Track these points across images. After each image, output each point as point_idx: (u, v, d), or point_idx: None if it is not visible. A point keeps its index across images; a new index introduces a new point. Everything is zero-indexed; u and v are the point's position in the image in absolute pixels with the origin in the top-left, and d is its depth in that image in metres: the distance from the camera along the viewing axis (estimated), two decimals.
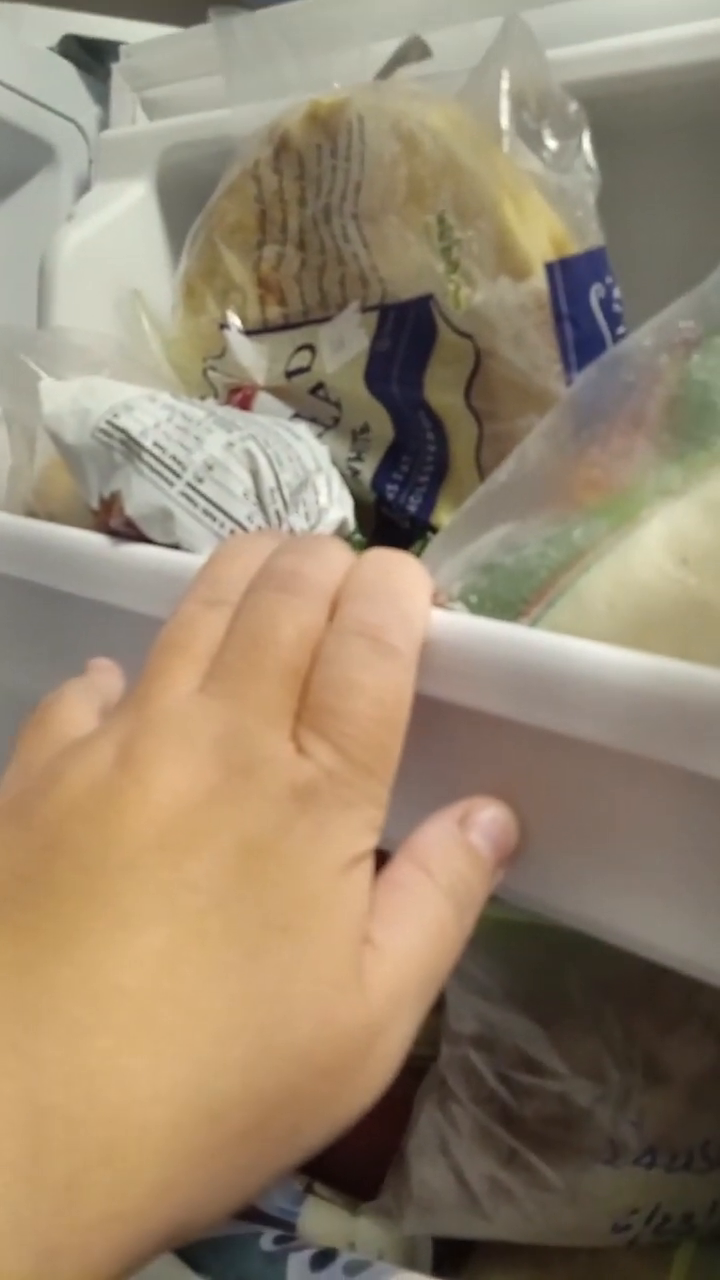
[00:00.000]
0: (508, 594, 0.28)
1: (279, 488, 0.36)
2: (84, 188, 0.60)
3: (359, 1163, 0.42)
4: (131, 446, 0.36)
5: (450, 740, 0.27)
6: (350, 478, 0.41)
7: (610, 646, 0.24)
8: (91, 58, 0.65)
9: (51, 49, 0.65)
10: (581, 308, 0.33)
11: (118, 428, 0.36)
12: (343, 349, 0.40)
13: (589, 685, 0.24)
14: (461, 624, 0.26)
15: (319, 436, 0.41)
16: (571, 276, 0.32)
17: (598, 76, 0.36)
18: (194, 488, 0.35)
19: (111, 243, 0.50)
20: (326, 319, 0.41)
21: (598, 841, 0.25)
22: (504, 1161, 0.34)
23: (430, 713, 0.26)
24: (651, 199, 0.37)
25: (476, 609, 0.28)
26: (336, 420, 0.42)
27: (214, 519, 0.35)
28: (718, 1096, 0.33)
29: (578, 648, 0.24)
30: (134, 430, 0.36)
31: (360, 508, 0.42)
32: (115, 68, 0.60)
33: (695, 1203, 0.34)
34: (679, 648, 0.25)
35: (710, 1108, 0.33)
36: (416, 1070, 0.38)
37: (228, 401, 0.45)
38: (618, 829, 0.25)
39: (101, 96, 0.64)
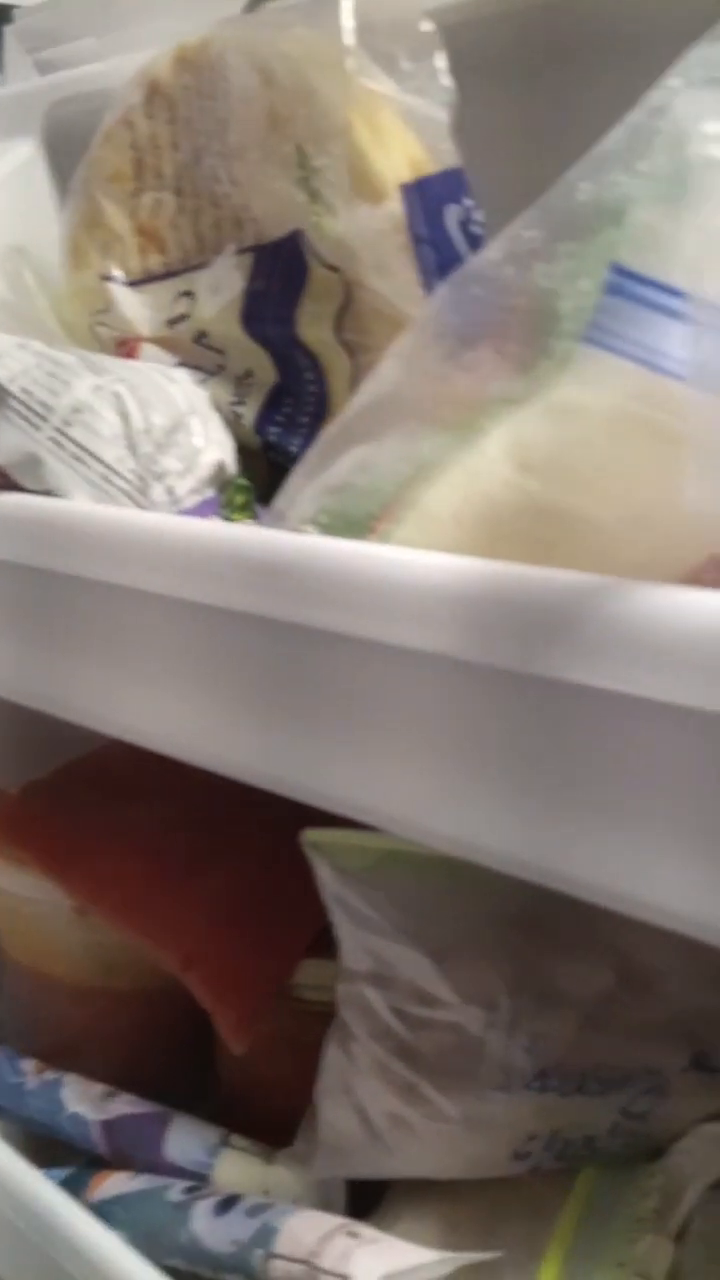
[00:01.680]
0: (356, 512, 0.27)
1: (149, 429, 0.35)
2: None
3: (281, 1114, 0.42)
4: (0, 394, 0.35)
5: (329, 668, 0.27)
6: (234, 422, 0.40)
7: (438, 554, 0.23)
8: None
9: None
10: (439, 230, 0.32)
11: None
12: (219, 293, 0.40)
13: (419, 595, 0.23)
14: (300, 543, 0.26)
15: (202, 384, 0.41)
16: (427, 198, 0.32)
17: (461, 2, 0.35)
18: (62, 432, 0.35)
19: None
20: (204, 265, 0.41)
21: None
22: (403, 1096, 0.34)
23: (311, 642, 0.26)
24: (513, 125, 0.37)
25: (327, 529, 0.28)
26: (221, 367, 0.41)
27: (83, 463, 0.34)
28: (610, 1020, 0.33)
29: (401, 558, 0.24)
30: (2, 377, 0.35)
31: (251, 454, 0.41)
32: (8, 30, 0.59)
33: (593, 1126, 0.34)
34: (529, 556, 0.25)
35: (601, 1031, 0.33)
36: (331, 1018, 0.38)
37: (115, 355, 0.44)
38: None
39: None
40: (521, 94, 0.39)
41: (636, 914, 0.23)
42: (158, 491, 0.34)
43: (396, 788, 0.27)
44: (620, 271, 0.24)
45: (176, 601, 0.29)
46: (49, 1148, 0.44)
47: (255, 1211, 0.35)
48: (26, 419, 0.34)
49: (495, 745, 0.24)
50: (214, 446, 0.36)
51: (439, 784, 0.26)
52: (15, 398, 0.35)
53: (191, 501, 0.35)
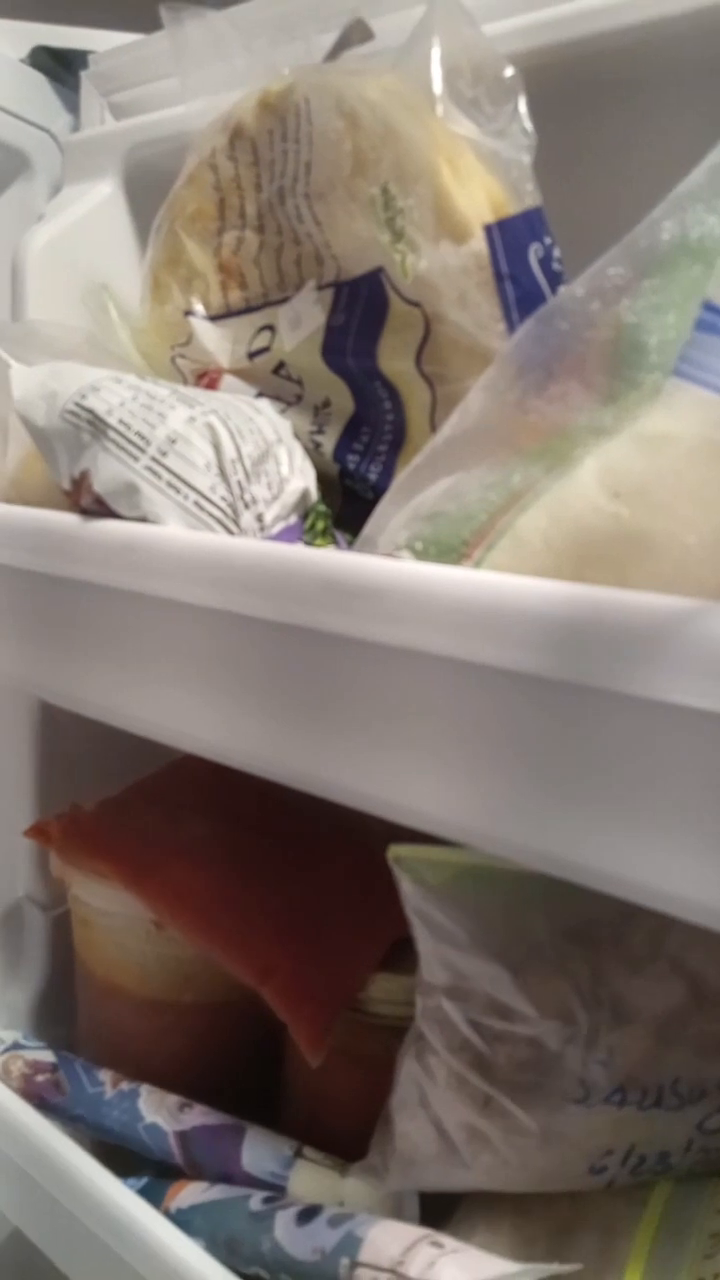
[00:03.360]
0: (450, 538, 0.29)
1: (240, 459, 0.37)
2: (58, 193, 0.62)
3: (350, 1127, 0.43)
4: (98, 425, 0.37)
5: (417, 688, 0.28)
6: (313, 451, 0.42)
7: (537, 579, 0.24)
8: (62, 67, 0.66)
9: (23, 60, 0.66)
10: (521, 267, 0.34)
11: (84, 408, 0.37)
12: (300, 327, 0.41)
13: (521, 618, 0.25)
14: (405, 570, 0.27)
15: (282, 413, 0.42)
16: (510, 237, 0.33)
17: (540, 44, 0.37)
18: (158, 461, 0.36)
19: (80, 240, 0.52)
20: (285, 300, 0.42)
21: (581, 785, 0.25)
22: (480, 1108, 0.35)
23: (394, 661, 0.27)
24: (604, 159, 0.38)
25: (421, 555, 0.29)
26: (299, 397, 0.43)
27: (178, 491, 0.36)
28: (684, 1034, 0.34)
29: (506, 582, 0.25)
30: (100, 410, 0.37)
31: (327, 481, 0.43)
32: (84, 75, 0.61)
33: (669, 1141, 0.35)
34: (616, 579, 0.26)
35: (677, 1045, 0.34)
36: (401, 1032, 0.39)
37: (195, 386, 0.46)
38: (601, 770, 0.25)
39: (73, 104, 0.65)
40: (567, 133, 0.40)
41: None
42: (247, 518, 0.36)
43: (461, 793, 0.28)
44: (712, 309, 0.25)
45: (256, 621, 0.31)
46: (114, 1157, 0.45)
47: (337, 1221, 0.35)
48: (125, 449, 0.36)
49: (552, 753, 0.25)
50: (298, 475, 0.38)
51: (514, 793, 0.27)
52: (114, 429, 0.36)
53: (278, 527, 0.37)
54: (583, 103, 0.39)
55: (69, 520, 0.38)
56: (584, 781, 0.25)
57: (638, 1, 0.34)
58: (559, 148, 0.37)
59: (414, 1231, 0.34)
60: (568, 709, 0.25)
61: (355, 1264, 0.33)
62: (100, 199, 0.53)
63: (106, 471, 0.36)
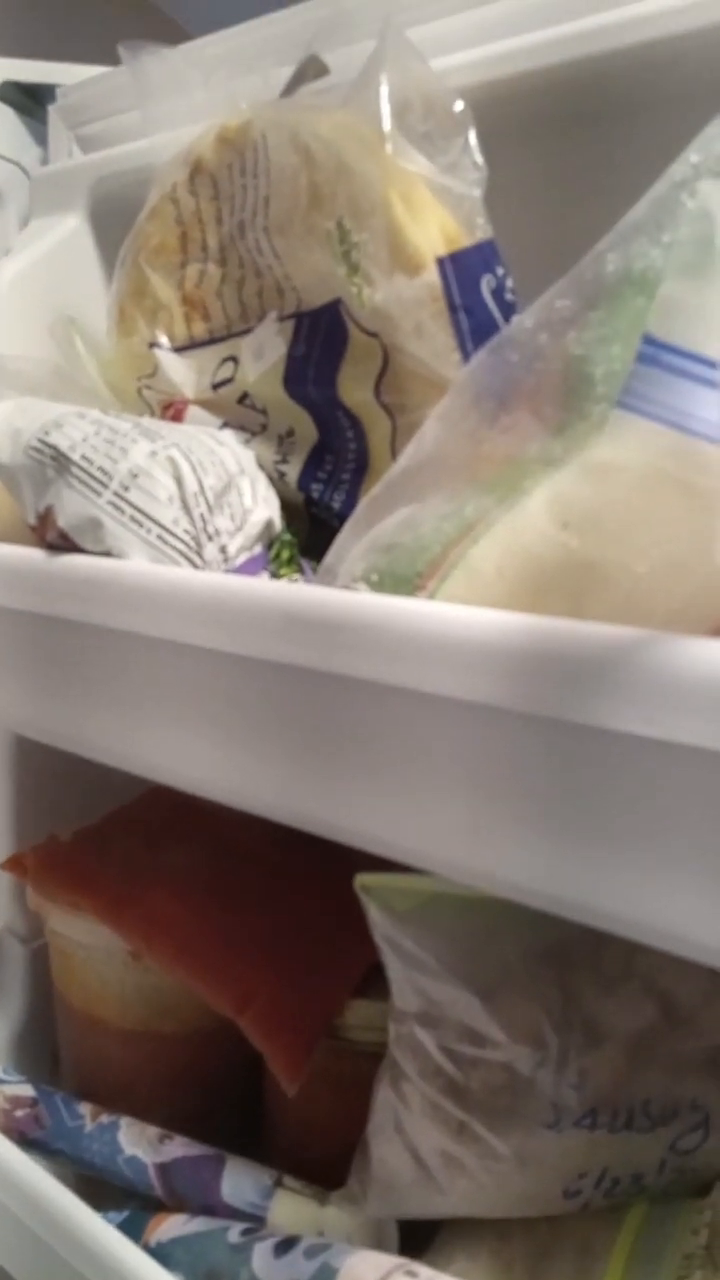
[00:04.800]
0: (404, 570, 0.29)
1: (202, 491, 0.37)
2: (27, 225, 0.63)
3: (330, 1154, 0.42)
4: (61, 461, 0.37)
5: (383, 720, 0.28)
6: (278, 480, 0.42)
7: (490, 610, 0.25)
8: (33, 101, 0.67)
9: None
10: (474, 298, 0.34)
11: (48, 444, 0.38)
12: (262, 357, 0.42)
13: (473, 648, 0.25)
14: (361, 601, 0.27)
15: (247, 443, 0.43)
16: (462, 269, 0.34)
17: (537, 66, 0.37)
18: (120, 496, 0.36)
19: (47, 273, 0.52)
20: (248, 331, 0.43)
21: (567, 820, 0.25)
22: (454, 1134, 0.35)
23: (361, 694, 0.27)
24: (579, 185, 0.39)
25: (377, 586, 0.29)
26: (264, 426, 0.43)
27: (141, 525, 0.36)
28: (655, 1055, 0.34)
29: (458, 613, 0.25)
30: (63, 445, 0.37)
31: (293, 510, 0.43)
32: (51, 108, 0.62)
33: (642, 1163, 0.35)
34: (569, 608, 0.26)
35: (648, 1066, 0.34)
36: (378, 1058, 0.39)
37: (161, 417, 0.46)
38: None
39: (43, 137, 0.66)
40: (545, 158, 0.41)
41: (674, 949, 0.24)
42: (211, 550, 0.36)
43: (433, 826, 0.28)
44: (651, 342, 0.25)
45: (226, 655, 0.31)
46: (96, 1190, 0.45)
47: (313, 1252, 0.35)
48: (87, 484, 0.36)
49: (529, 786, 0.25)
50: (262, 505, 0.38)
51: (477, 822, 0.27)
52: (77, 464, 0.36)
53: (242, 559, 0.37)
54: (584, 123, 0.40)
55: (35, 555, 0.38)
56: (561, 813, 0.25)
57: (639, 22, 0.35)
58: (557, 170, 0.37)
59: (389, 1261, 0.34)
60: (527, 739, 0.25)
61: None
62: (67, 231, 0.53)
63: (70, 507, 0.36)
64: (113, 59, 0.64)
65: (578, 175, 0.41)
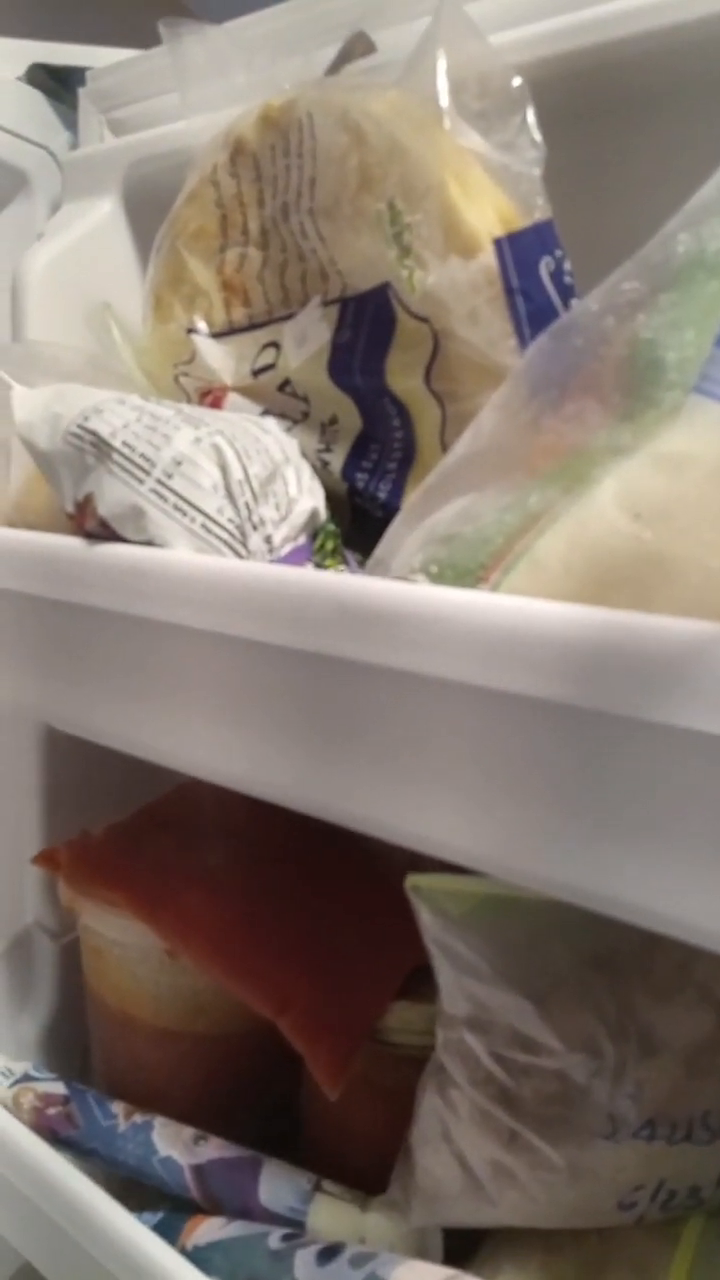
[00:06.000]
0: (466, 562, 0.28)
1: (247, 480, 0.36)
2: (58, 210, 0.61)
3: (369, 1159, 0.42)
4: (102, 448, 0.36)
5: (436, 714, 0.27)
6: (321, 469, 0.41)
7: (559, 603, 0.24)
8: (60, 84, 0.66)
9: (20, 79, 0.66)
10: (532, 281, 0.33)
11: (88, 430, 0.37)
12: (305, 343, 0.40)
13: (541, 642, 0.24)
14: (422, 594, 0.26)
15: (288, 431, 0.41)
16: (520, 250, 0.33)
17: (553, 53, 0.36)
18: (163, 484, 0.35)
19: (81, 259, 0.51)
20: (290, 316, 0.42)
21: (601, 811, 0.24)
22: (505, 1143, 0.34)
23: (412, 687, 0.26)
24: (614, 173, 0.38)
25: (437, 579, 0.28)
26: (305, 414, 0.42)
27: (184, 513, 0.35)
28: (714, 1066, 0.33)
29: (526, 606, 0.24)
30: (104, 432, 0.36)
31: (335, 499, 0.42)
32: (82, 92, 0.61)
33: (700, 1176, 0.34)
34: (638, 602, 0.25)
35: (707, 1077, 0.33)
36: (421, 1062, 0.38)
37: (199, 404, 0.45)
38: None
39: (71, 122, 0.65)
40: (574, 145, 0.40)
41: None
42: (256, 540, 0.35)
43: (490, 825, 0.27)
44: None
45: (273, 648, 0.30)
46: (129, 1190, 0.44)
47: (359, 1261, 0.34)
48: (129, 472, 0.35)
49: (570, 780, 0.24)
50: (307, 495, 0.37)
51: (523, 817, 0.26)
52: (118, 451, 0.35)
53: (287, 549, 0.36)
54: (597, 112, 0.38)
55: (74, 544, 0.37)
56: (606, 810, 0.24)
57: (652, 8, 0.33)
58: (572, 159, 0.36)
59: (439, 1272, 0.33)
60: (589, 736, 0.24)
61: None
62: (100, 217, 0.52)
63: (111, 495, 0.35)
64: (142, 42, 0.63)
65: (602, 163, 0.40)
